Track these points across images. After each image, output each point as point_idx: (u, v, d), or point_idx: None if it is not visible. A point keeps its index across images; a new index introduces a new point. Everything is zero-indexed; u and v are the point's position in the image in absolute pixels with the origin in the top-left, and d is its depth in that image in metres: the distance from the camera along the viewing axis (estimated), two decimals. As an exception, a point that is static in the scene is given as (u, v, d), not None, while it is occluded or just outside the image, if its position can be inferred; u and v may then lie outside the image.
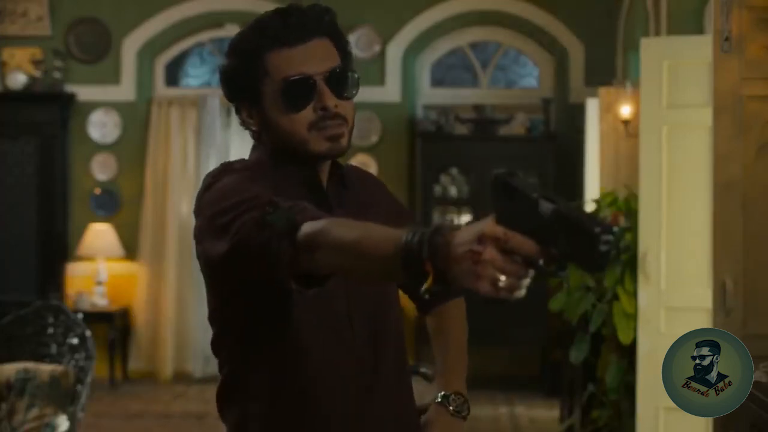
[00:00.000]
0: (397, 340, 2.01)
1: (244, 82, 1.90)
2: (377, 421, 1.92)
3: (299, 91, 1.87)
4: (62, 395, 4.10)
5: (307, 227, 1.63)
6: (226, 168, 1.93)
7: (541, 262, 1.32)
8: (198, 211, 1.88)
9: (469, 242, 1.34)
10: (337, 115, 1.88)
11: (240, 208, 1.75)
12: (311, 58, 1.87)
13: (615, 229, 1.27)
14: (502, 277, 1.33)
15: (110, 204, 8.41)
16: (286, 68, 1.87)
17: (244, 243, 1.72)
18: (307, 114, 1.87)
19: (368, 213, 1.99)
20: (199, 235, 1.86)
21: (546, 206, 1.29)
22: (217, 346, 1.97)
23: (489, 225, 1.34)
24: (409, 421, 2.03)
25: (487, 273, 1.33)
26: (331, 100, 1.87)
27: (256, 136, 1.95)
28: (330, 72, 1.88)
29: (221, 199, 1.82)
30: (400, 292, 2.05)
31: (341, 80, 1.89)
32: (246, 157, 2.01)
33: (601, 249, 1.24)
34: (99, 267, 8.10)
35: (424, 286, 1.41)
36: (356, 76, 1.92)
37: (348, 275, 1.73)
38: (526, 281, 1.35)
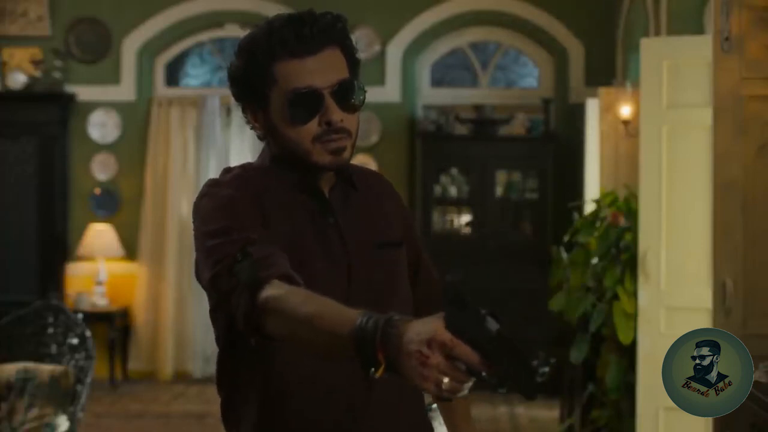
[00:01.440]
0: None
1: (252, 86, 1.90)
2: None
3: (306, 104, 1.87)
4: (62, 395, 4.10)
5: (267, 291, 1.68)
6: (223, 177, 1.93)
7: (483, 374, 1.41)
8: (194, 217, 1.90)
9: (419, 343, 1.43)
10: (342, 129, 1.88)
11: (224, 237, 1.79)
12: (320, 70, 1.87)
13: (552, 360, 1.39)
14: (446, 380, 1.42)
15: (110, 204, 8.41)
16: (295, 80, 1.86)
17: (216, 280, 1.78)
18: (312, 126, 1.87)
19: (374, 216, 1.99)
20: (194, 244, 1.89)
21: (492, 325, 1.41)
22: (217, 344, 1.99)
23: (438, 330, 1.43)
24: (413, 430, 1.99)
25: (432, 375, 1.42)
26: (336, 115, 1.87)
27: (261, 136, 1.96)
28: (338, 85, 1.88)
29: (211, 218, 1.84)
30: None
31: (348, 93, 1.89)
32: (246, 156, 2.02)
33: (537, 380, 1.36)
34: (99, 267, 8.10)
35: (374, 372, 1.49)
36: (363, 88, 1.91)
37: (297, 345, 1.74)
38: (469, 385, 1.44)
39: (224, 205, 1.84)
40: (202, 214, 1.87)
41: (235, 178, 1.92)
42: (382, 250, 1.96)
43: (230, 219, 1.81)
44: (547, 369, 1.37)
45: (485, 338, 1.40)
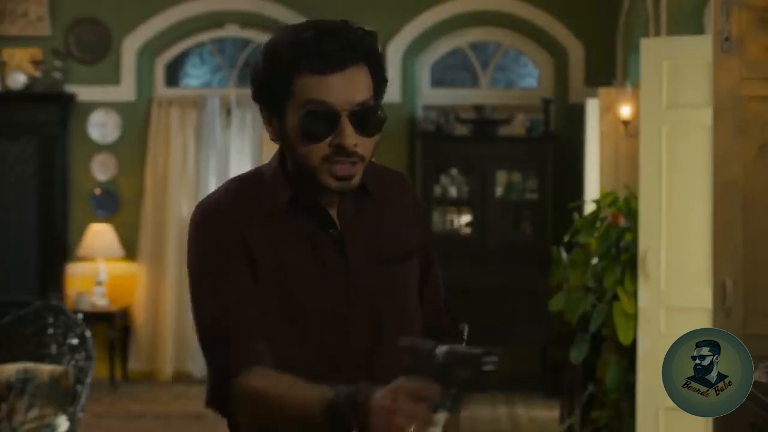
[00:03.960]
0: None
1: (269, 92, 1.84)
2: None
3: (320, 123, 1.79)
4: (62, 395, 4.10)
5: (237, 385, 1.77)
6: (216, 194, 1.91)
7: (444, 403, 1.59)
8: (188, 235, 1.90)
9: (383, 398, 1.59)
10: (354, 154, 1.80)
11: (204, 290, 1.84)
12: (341, 89, 1.78)
13: (497, 353, 1.60)
14: (412, 428, 1.57)
15: (110, 204, 8.41)
16: (312, 96, 1.78)
17: (197, 336, 1.88)
18: (324, 146, 1.80)
19: (386, 225, 1.94)
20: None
21: (440, 349, 1.61)
22: None
23: (400, 382, 1.60)
24: None
25: (400, 422, 1.56)
26: (350, 138, 1.79)
27: (273, 140, 1.90)
28: (357, 107, 1.80)
29: (195, 251, 1.87)
30: None
31: (366, 117, 1.81)
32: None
33: (485, 369, 1.58)
34: (99, 267, 8.10)
35: None
36: (383, 111, 1.85)
37: (266, 422, 1.81)
38: (435, 430, 1.59)
39: (204, 244, 1.86)
40: (190, 240, 1.89)
41: (225, 200, 1.89)
42: (390, 262, 1.91)
43: (209, 266, 1.84)
44: (495, 358, 1.59)
45: (438, 366, 1.60)
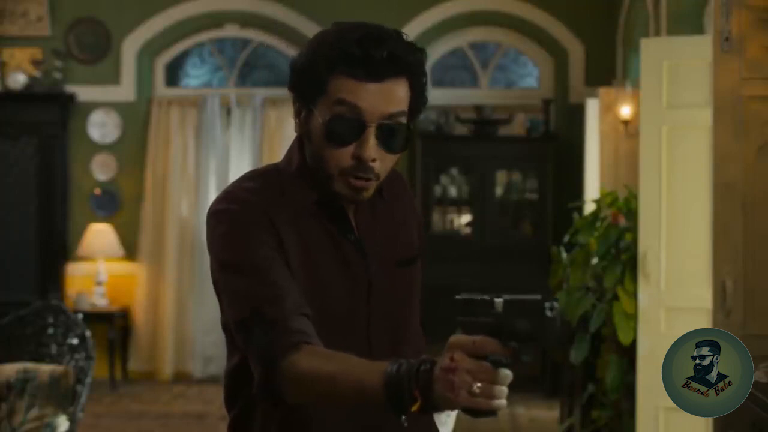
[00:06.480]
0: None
1: (305, 85, 1.81)
2: None
3: (346, 128, 1.76)
4: (62, 395, 4.10)
5: (286, 367, 1.67)
6: (241, 188, 1.85)
7: (505, 359, 1.46)
8: (207, 229, 1.84)
9: (444, 360, 1.46)
10: (370, 170, 1.77)
11: (237, 278, 1.76)
12: (374, 99, 1.75)
13: (557, 298, 1.41)
14: (477, 385, 1.44)
15: (110, 204, 8.41)
16: (345, 98, 1.75)
17: (232, 328, 1.78)
18: (344, 155, 1.77)
19: (397, 230, 1.94)
20: (212, 272, 1.85)
21: (498, 301, 1.49)
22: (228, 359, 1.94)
23: (455, 338, 1.47)
24: None
25: (461, 380, 1.44)
26: (371, 151, 1.76)
27: (297, 132, 1.87)
28: (386, 120, 1.76)
29: (223, 246, 1.80)
30: None
31: (393, 133, 1.77)
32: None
33: (547, 315, 1.46)
34: (99, 267, 8.10)
35: (413, 408, 1.51)
36: (411, 130, 1.81)
37: (319, 403, 1.75)
38: (501, 390, 1.47)
39: (237, 232, 1.79)
40: (215, 228, 1.82)
41: (252, 193, 1.83)
42: (403, 265, 1.92)
43: (243, 254, 1.77)
44: (555, 304, 1.46)
45: (497, 320, 1.47)
